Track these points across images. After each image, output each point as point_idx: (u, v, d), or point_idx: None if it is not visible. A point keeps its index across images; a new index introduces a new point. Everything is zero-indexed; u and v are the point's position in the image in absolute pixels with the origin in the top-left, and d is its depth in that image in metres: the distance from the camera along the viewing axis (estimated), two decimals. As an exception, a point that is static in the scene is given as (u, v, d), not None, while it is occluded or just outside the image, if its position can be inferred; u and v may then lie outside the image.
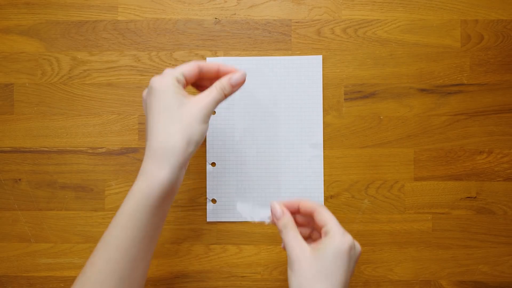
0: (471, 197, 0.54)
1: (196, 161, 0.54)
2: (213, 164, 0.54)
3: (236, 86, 0.42)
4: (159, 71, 0.54)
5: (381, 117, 0.54)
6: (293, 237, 0.41)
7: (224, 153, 0.54)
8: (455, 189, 0.54)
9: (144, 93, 0.41)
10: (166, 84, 0.39)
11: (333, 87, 0.54)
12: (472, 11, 0.54)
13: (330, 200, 0.53)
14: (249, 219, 0.52)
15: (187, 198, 0.54)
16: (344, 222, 0.54)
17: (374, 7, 0.54)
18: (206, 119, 0.39)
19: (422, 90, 0.54)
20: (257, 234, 0.54)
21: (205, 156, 0.54)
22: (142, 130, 0.54)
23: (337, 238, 0.39)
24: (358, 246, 0.41)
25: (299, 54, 0.54)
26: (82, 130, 0.54)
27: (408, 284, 0.54)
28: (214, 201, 0.54)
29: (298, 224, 0.44)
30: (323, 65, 0.54)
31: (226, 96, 0.41)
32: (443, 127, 0.54)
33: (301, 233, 0.42)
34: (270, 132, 0.53)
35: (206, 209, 0.54)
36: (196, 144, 0.39)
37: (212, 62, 0.43)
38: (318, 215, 0.41)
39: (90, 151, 0.54)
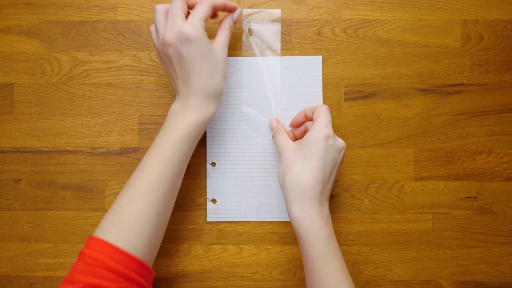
0: (471, 197, 0.54)
1: (196, 161, 0.54)
2: (213, 164, 0.54)
3: (237, 21, 0.50)
4: (159, 71, 0.54)
5: (381, 117, 0.54)
6: (282, 137, 0.49)
7: (224, 153, 0.54)
8: (455, 189, 0.54)
9: (168, 38, 0.45)
10: (199, 33, 0.45)
11: (333, 87, 0.54)
12: (472, 11, 0.54)
13: (330, 200, 0.53)
14: (254, 134, 0.53)
15: (187, 198, 0.54)
16: (344, 222, 0.54)
17: (374, 7, 0.54)
18: (226, 58, 0.48)
19: (422, 90, 0.54)
20: (257, 234, 0.54)
21: (205, 156, 0.54)
22: (142, 130, 0.54)
23: (317, 128, 0.46)
24: (340, 140, 0.47)
25: (299, 54, 0.54)
26: (82, 130, 0.54)
27: (408, 284, 0.54)
28: (214, 201, 0.54)
29: (293, 138, 0.51)
30: (323, 65, 0.54)
31: (231, 31, 0.49)
32: (443, 127, 0.54)
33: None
34: (270, 132, 0.53)
35: (206, 209, 0.54)
36: (226, 81, 0.49)
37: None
38: (316, 111, 0.48)
39: (90, 151, 0.54)
